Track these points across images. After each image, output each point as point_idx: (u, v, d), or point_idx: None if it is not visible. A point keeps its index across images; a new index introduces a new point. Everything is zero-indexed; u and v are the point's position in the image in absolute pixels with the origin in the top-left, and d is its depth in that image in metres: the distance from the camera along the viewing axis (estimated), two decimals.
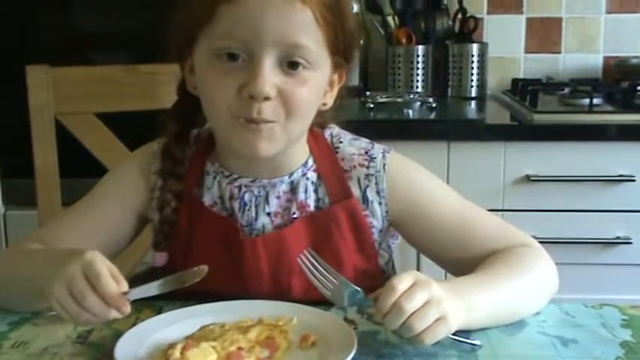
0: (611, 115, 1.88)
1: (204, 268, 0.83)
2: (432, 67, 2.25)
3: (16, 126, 1.64)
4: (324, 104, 1.00)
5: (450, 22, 2.29)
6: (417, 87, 2.22)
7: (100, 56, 2.04)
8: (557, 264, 1.01)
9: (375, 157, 1.03)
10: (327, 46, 0.94)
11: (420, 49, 2.22)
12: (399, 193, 1.03)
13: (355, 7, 2.12)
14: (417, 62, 2.22)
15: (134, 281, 1.04)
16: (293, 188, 1.02)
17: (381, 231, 1.05)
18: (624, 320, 0.95)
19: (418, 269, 1.80)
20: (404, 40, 2.24)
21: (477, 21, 2.26)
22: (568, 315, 0.97)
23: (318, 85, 0.96)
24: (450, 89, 2.27)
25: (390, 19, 2.28)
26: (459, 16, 2.27)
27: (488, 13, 2.33)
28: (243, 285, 0.99)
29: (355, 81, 2.20)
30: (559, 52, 2.35)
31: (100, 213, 1.05)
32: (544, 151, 1.83)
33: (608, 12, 2.31)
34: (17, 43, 1.98)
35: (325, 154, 1.04)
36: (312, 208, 1.02)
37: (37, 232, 1.07)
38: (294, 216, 1.01)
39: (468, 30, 2.26)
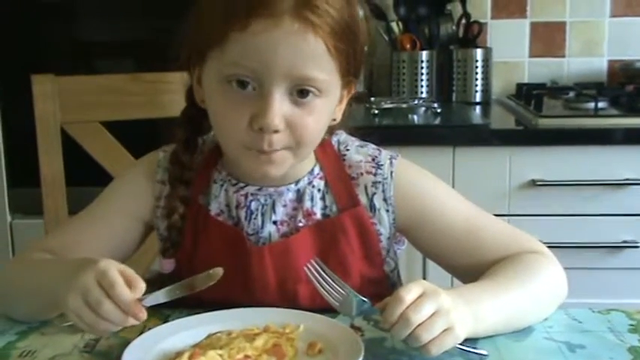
0: (616, 119, 1.88)
1: (219, 270, 0.83)
2: (437, 73, 2.25)
3: (21, 135, 1.65)
4: (334, 120, 1.00)
5: (454, 28, 2.29)
6: (422, 92, 2.22)
7: (105, 65, 2.05)
8: (563, 269, 1.00)
9: (382, 165, 1.02)
10: (339, 72, 0.93)
11: (425, 54, 2.22)
12: (407, 200, 1.02)
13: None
14: (422, 68, 2.22)
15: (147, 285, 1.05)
16: (299, 196, 1.02)
17: (388, 238, 1.04)
18: (632, 325, 0.95)
19: (424, 275, 1.80)
20: (408, 46, 2.24)
21: (481, 26, 2.26)
22: (575, 320, 0.96)
23: (327, 111, 0.95)
24: (454, 94, 2.27)
25: (394, 24, 2.28)
26: (463, 21, 2.27)
27: (492, 17, 2.33)
28: (249, 294, 0.99)
29: (360, 87, 2.20)
30: (563, 57, 2.35)
31: (105, 222, 1.05)
32: (549, 156, 1.83)
33: (613, 15, 2.31)
34: (23, 53, 1.99)
35: (332, 161, 1.03)
36: (318, 215, 1.02)
37: (42, 241, 1.07)
38: (300, 224, 1.01)
39: (472, 35, 2.26)
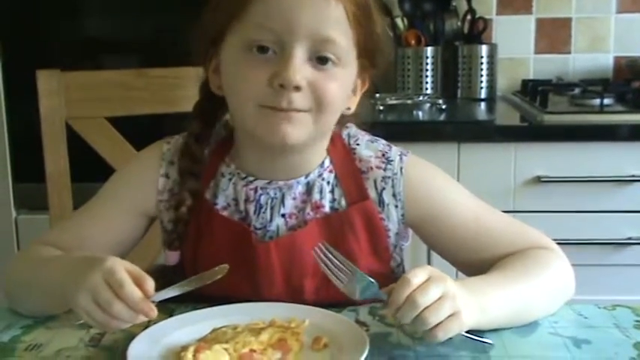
0: (622, 115, 1.87)
1: (225, 267, 0.84)
2: (442, 69, 2.25)
3: (27, 130, 1.65)
4: (348, 108, 1.01)
5: (459, 24, 2.29)
6: (427, 89, 2.22)
7: (110, 61, 2.05)
8: None
9: (392, 160, 1.02)
10: (356, 45, 0.95)
11: (430, 50, 2.22)
12: (416, 196, 1.02)
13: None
14: (427, 64, 2.21)
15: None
16: (309, 189, 1.02)
17: (396, 234, 1.04)
18: (637, 321, 0.94)
19: None
20: (413, 42, 2.24)
21: (486, 22, 2.26)
22: (581, 316, 0.96)
23: (345, 83, 0.97)
24: (459, 90, 2.27)
25: (399, 20, 2.28)
26: (468, 17, 2.27)
27: (498, 14, 2.33)
28: (255, 288, 0.99)
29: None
30: (569, 53, 2.34)
31: (108, 215, 1.05)
32: (555, 152, 1.83)
33: (619, 12, 2.30)
34: (28, 48, 1.99)
35: (342, 154, 1.03)
36: (326, 208, 1.01)
37: (46, 236, 1.07)
38: (309, 217, 1.01)
39: (478, 31, 2.25)
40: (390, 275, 1.06)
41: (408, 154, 1.04)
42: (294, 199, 1.01)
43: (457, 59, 2.26)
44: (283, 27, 0.90)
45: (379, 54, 1.00)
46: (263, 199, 1.01)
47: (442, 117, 2.01)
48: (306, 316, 0.89)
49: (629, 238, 1.84)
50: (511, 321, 0.92)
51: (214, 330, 0.86)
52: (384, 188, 1.02)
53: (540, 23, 2.33)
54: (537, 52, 2.35)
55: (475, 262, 1.01)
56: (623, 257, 1.85)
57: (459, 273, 1.07)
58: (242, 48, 0.93)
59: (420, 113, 2.06)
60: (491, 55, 2.23)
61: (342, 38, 0.93)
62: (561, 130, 1.84)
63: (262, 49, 0.92)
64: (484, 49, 2.22)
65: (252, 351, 0.81)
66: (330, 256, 0.88)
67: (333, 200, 1.02)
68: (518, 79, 2.29)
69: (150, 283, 0.82)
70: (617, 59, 2.33)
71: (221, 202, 1.02)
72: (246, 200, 1.01)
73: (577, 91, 2.09)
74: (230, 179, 1.03)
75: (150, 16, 2.02)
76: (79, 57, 2.05)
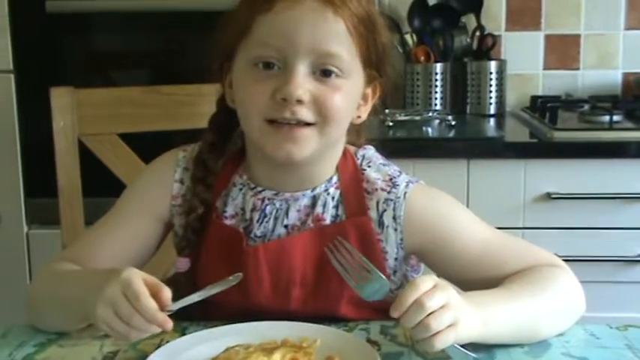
0: (631, 132, 1.87)
1: (239, 275, 0.87)
2: (451, 85, 2.25)
3: (39, 146, 1.66)
4: (359, 117, 1.03)
5: (468, 40, 2.29)
6: (436, 105, 2.22)
7: (122, 76, 2.07)
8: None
9: (398, 185, 1.02)
10: (359, 56, 0.97)
11: (439, 66, 2.22)
12: (417, 224, 1.01)
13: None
14: (436, 80, 2.22)
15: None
16: (314, 202, 1.03)
17: (395, 259, 1.04)
18: None
19: None
20: (422, 58, 2.25)
21: (495, 38, 2.27)
22: (592, 336, 0.96)
23: (351, 94, 0.98)
24: (468, 107, 2.27)
25: (408, 37, 2.29)
26: (477, 33, 2.28)
27: (507, 30, 2.33)
28: (244, 293, 1.00)
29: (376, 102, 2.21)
30: (578, 69, 2.34)
31: (126, 224, 1.07)
32: (564, 169, 1.83)
33: (627, 28, 2.31)
34: (41, 65, 2.01)
35: (351, 173, 1.04)
36: (327, 222, 1.02)
37: (66, 252, 1.08)
38: (308, 229, 1.02)
39: (487, 47, 2.26)
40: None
41: (416, 182, 1.04)
42: (299, 211, 1.02)
43: (466, 75, 2.26)
44: (285, 44, 0.93)
45: (386, 63, 1.02)
46: (268, 209, 1.02)
47: (451, 133, 2.01)
48: (318, 336, 0.89)
49: (639, 255, 1.83)
50: (516, 336, 0.92)
51: (227, 349, 0.86)
52: (385, 210, 1.02)
53: (549, 39, 2.33)
54: (546, 68, 2.35)
55: (481, 285, 0.99)
56: (634, 274, 1.85)
57: None
58: (249, 64, 0.96)
59: (429, 129, 2.06)
60: (500, 71, 2.24)
61: (344, 51, 0.95)
62: (571, 146, 1.84)
63: (268, 65, 0.95)
64: (493, 65, 2.23)
65: None
66: (345, 252, 0.88)
67: (336, 216, 1.02)
68: (527, 95, 2.29)
69: (166, 293, 0.84)
70: (626, 76, 2.33)
71: (230, 210, 1.04)
72: (253, 209, 1.03)
73: (586, 107, 2.09)
74: (241, 189, 1.04)
75: (161, 32, 2.04)
76: (91, 73, 2.06)
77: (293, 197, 1.02)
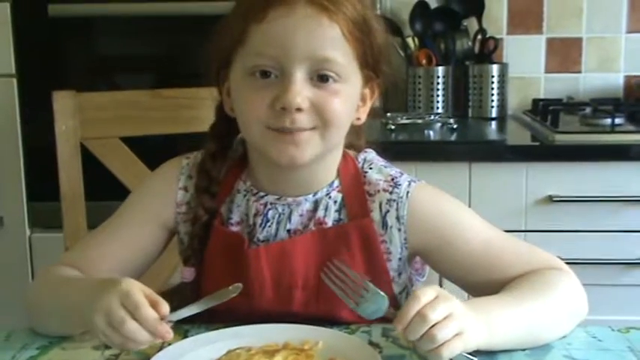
0: (633, 135, 1.87)
1: (239, 285, 0.87)
2: (453, 88, 2.25)
3: (41, 150, 1.67)
4: (358, 119, 1.03)
5: (470, 43, 2.30)
6: (438, 108, 2.22)
7: (125, 80, 2.07)
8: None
9: (399, 185, 1.03)
10: (356, 59, 0.97)
11: (440, 70, 2.23)
12: (420, 222, 1.02)
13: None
14: (438, 83, 2.22)
15: (167, 295, 1.07)
16: (316, 206, 1.03)
17: (400, 259, 1.04)
18: None
19: None
20: (424, 62, 2.25)
21: (497, 41, 2.27)
22: (594, 338, 0.96)
23: (349, 97, 0.98)
24: (470, 110, 2.27)
25: (409, 40, 2.29)
26: (479, 36, 2.28)
27: (508, 33, 2.34)
28: (246, 296, 0.99)
29: (375, 102, 2.21)
30: (579, 72, 2.34)
31: (129, 229, 1.07)
32: (566, 172, 1.83)
33: (629, 31, 2.31)
34: (43, 68, 2.02)
35: (352, 176, 1.04)
36: (329, 225, 1.02)
37: (67, 256, 1.08)
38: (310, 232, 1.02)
39: (488, 50, 2.26)
40: (392, 299, 1.05)
41: (417, 182, 1.04)
42: (301, 215, 1.03)
43: (468, 79, 2.26)
44: (281, 52, 0.93)
45: (383, 63, 1.02)
46: (271, 213, 1.03)
47: (453, 136, 2.01)
48: (320, 338, 0.90)
49: None
50: (521, 342, 0.92)
51: (228, 352, 0.87)
52: (388, 211, 1.02)
53: (551, 43, 2.34)
54: (548, 71, 2.35)
55: (485, 287, 1.00)
56: (636, 277, 1.85)
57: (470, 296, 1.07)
58: (246, 74, 0.96)
59: (431, 133, 2.06)
60: (502, 75, 2.24)
61: (340, 56, 0.95)
62: (573, 149, 1.84)
63: (265, 74, 0.95)
64: (495, 69, 2.23)
65: None
66: (341, 274, 0.88)
67: (338, 219, 1.03)
68: (529, 98, 2.29)
69: (165, 307, 0.83)
70: (627, 78, 2.33)
71: (235, 217, 1.04)
72: (255, 214, 1.03)
73: (588, 110, 2.09)
74: (244, 195, 1.05)
75: (163, 36, 2.04)
76: (94, 76, 2.07)
77: (295, 202, 1.03)
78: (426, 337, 0.81)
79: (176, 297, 1.06)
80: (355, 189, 1.04)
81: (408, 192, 1.02)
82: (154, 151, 1.39)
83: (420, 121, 2.11)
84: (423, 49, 2.26)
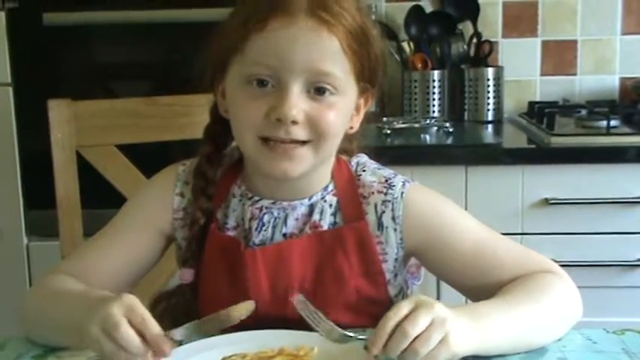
0: (629, 137, 1.87)
1: (252, 303, 0.86)
2: (448, 92, 2.26)
3: (38, 157, 1.67)
4: (351, 128, 1.03)
5: (465, 47, 2.30)
6: (434, 112, 2.23)
7: (121, 87, 2.08)
8: (577, 287, 1.00)
9: (394, 185, 1.03)
10: (354, 73, 0.97)
11: (436, 74, 2.23)
12: (415, 221, 1.03)
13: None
14: (433, 87, 2.23)
15: (164, 298, 1.07)
16: (311, 210, 1.03)
17: (396, 259, 1.05)
18: None
19: (438, 296, 1.80)
20: (419, 66, 2.25)
21: (492, 45, 2.27)
22: (589, 340, 0.96)
23: (344, 109, 0.99)
24: (466, 113, 2.27)
25: (405, 44, 2.30)
26: (474, 40, 2.28)
27: (503, 36, 2.34)
28: (244, 298, 0.99)
29: (372, 107, 2.22)
30: (575, 74, 2.35)
31: (126, 236, 1.07)
32: (562, 174, 1.83)
33: (624, 33, 2.31)
34: (39, 76, 2.02)
35: (346, 180, 1.05)
36: (324, 229, 1.03)
37: (63, 264, 1.08)
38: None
39: (484, 54, 2.27)
40: (387, 302, 1.06)
41: (412, 182, 1.05)
42: (297, 219, 1.03)
43: (464, 82, 2.27)
44: (279, 63, 0.93)
45: (379, 73, 1.02)
46: (266, 217, 1.03)
47: (449, 140, 2.01)
48: (315, 344, 0.90)
49: (638, 260, 1.83)
50: (514, 346, 0.92)
51: (223, 359, 0.87)
52: (383, 211, 1.03)
53: (546, 45, 2.34)
54: (543, 74, 2.36)
55: (479, 288, 1.01)
56: (632, 279, 1.85)
57: (469, 301, 1.07)
58: (243, 81, 0.96)
59: (427, 137, 2.06)
60: (498, 78, 2.24)
61: (338, 69, 0.95)
62: (568, 152, 1.84)
63: (261, 83, 0.95)
64: (490, 72, 2.24)
65: None
66: (307, 310, 0.87)
67: (334, 223, 1.03)
68: (525, 101, 2.29)
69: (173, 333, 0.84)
70: (622, 80, 2.33)
71: (231, 222, 1.05)
72: (251, 218, 1.03)
73: (583, 112, 2.09)
74: (240, 200, 1.05)
75: (159, 43, 2.05)
76: (89, 84, 2.07)
77: (290, 206, 1.03)
78: (409, 351, 0.80)
79: (175, 299, 1.06)
80: (350, 192, 1.04)
81: (402, 192, 1.03)
82: (149, 158, 1.40)
83: (416, 125, 2.12)
84: (418, 53, 2.27)
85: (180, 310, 1.05)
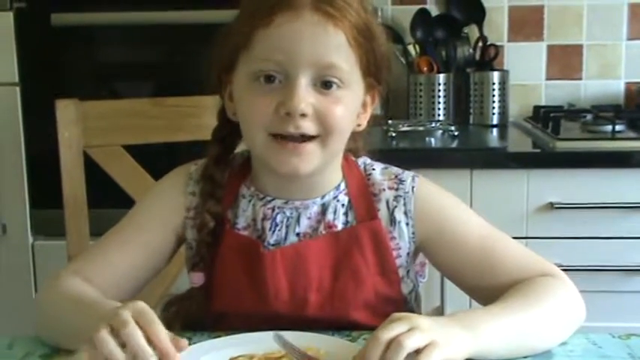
0: (634, 142, 1.87)
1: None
2: (454, 96, 2.26)
3: (44, 157, 1.68)
4: (359, 125, 1.04)
5: (471, 51, 2.30)
6: (439, 115, 2.23)
7: (127, 87, 2.08)
8: (581, 292, 1.00)
9: (404, 181, 1.05)
10: (360, 67, 0.98)
11: (441, 77, 2.23)
12: (425, 213, 1.04)
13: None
14: (439, 90, 2.23)
15: (176, 302, 1.07)
16: (324, 210, 1.04)
17: (407, 254, 1.05)
18: None
19: (442, 298, 1.81)
20: (425, 69, 2.26)
21: (498, 49, 2.27)
22: (595, 345, 0.96)
23: (352, 104, 0.99)
24: (471, 117, 2.28)
25: (410, 47, 2.30)
26: (480, 44, 2.28)
27: (509, 40, 2.34)
28: (261, 297, 1.01)
29: (377, 110, 2.22)
30: (580, 79, 2.35)
31: (143, 238, 1.06)
32: (567, 179, 1.83)
33: (629, 38, 2.32)
34: (47, 77, 2.03)
35: (357, 178, 1.06)
36: (339, 228, 1.03)
37: (75, 264, 1.07)
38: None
39: (489, 58, 2.27)
40: (401, 301, 1.07)
41: (419, 177, 1.07)
42: (309, 218, 1.04)
43: (469, 86, 2.27)
44: (286, 58, 0.94)
45: (385, 70, 1.03)
46: (279, 217, 1.03)
47: (454, 144, 2.02)
48: (323, 345, 0.90)
49: None
50: (516, 349, 0.92)
51: (231, 359, 0.87)
52: (395, 207, 1.04)
53: (551, 50, 2.34)
54: (548, 78, 2.36)
55: (481, 287, 1.02)
56: (636, 284, 1.85)
57: (474, 302, 1.08)
58: (250, 78, 0.97)
59: (432, 140, 2.07)
60: (503, 82, 2.25)
61: (344, 62, 0.96)
62: (574, 156, 1.85)
63: (269, 79, 0.95)
64: (496, 76, 2.24)
65: None
66: (285, 344, 0.87)
67: (347, 222, 1.04)
68: (530, 105, 2.30)
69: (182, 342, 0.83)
70: (628, 85, 2.33)
71: (241, 222, 1.05)
72: (263, 218, 1.04)
73: (589, 117, 2.09)
74: (250, 200, 1.05)
75: (166, 44, 2.05)
76: (96, 85, 2.08)
77: (303, 205, 1.04)
78: (394, 344, 0.79)
79: (188, 303, 1.06)
80: (361, 191, 1.05)
81: (413, 187, 1.05)
82: (156, 158, 1.40)
83: (421, 128, 2.12)
84: (424, 56, 2.27)
85: (193, 313, 1.05)
